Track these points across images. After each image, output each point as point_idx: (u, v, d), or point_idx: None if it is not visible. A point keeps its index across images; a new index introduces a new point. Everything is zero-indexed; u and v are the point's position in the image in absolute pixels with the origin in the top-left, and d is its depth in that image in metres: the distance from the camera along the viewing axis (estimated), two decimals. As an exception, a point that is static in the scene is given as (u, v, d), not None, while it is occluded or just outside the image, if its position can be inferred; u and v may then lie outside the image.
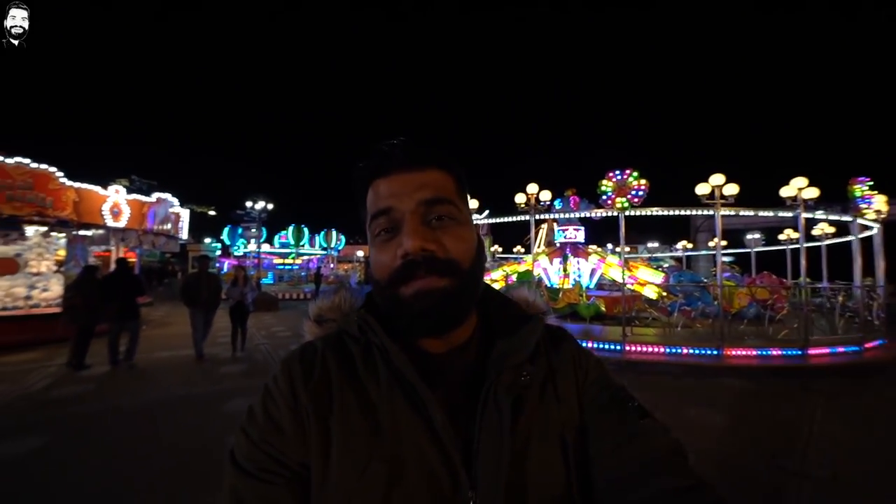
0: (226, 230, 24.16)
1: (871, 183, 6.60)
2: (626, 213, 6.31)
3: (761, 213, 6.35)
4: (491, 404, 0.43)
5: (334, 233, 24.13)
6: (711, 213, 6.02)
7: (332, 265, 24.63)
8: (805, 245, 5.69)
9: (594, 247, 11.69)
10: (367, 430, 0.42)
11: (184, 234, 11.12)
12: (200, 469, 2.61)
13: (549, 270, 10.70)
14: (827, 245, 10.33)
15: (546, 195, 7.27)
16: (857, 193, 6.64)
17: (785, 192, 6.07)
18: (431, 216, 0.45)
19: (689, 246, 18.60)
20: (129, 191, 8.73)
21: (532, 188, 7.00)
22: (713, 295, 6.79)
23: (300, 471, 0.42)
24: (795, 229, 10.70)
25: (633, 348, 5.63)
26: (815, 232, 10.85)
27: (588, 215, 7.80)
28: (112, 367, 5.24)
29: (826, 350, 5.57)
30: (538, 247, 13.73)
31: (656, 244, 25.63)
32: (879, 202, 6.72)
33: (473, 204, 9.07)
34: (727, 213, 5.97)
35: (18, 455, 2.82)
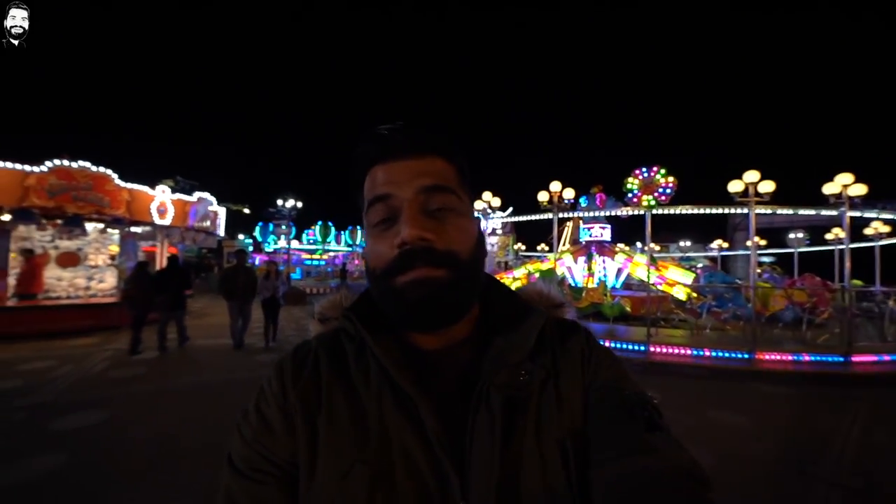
0: (258, 227, 25.38)
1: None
2: (653, 211, 6.15)
3: (801, 212, 6.00)
4: (484, 405, 0.40)
5: (359, 230, 24.77)
6: (745, 211, 5.76)
7: (356, 261, 25.32)
8: (855, 245, 5.35)
9: (622, 245, 11.40)
10: (352, 431, 0.41)
11: (221, 231, 11.81)
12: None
13: (573, 269, 10.55)
14: (881, 246, 9.58)
15: (569, 193, 7.20)
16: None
17: (828, 189, 5.71)
18: (431, 205, 0.43)
19: (725, 245, 17.70)
20: (174, 190, 9.40)
21: (555, 186, 6.95)
22: (746, 296, 6.50)
23: (291, 470, 0.41)
24: (842, 228, 9.99)
25: (659, 350, 5.51)
26: (868, 231, 10.09)
27: (615, 213, 7.64)
28: (161, 353, 5.74)
29: (873, 358, 5.22)
30: (563, 245, 13.53)
31: (689, 243, 24.49)
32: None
33: (496, 202, 9.09)
34: (762, 211, 5.70)
35: (88, 426, 3.19)
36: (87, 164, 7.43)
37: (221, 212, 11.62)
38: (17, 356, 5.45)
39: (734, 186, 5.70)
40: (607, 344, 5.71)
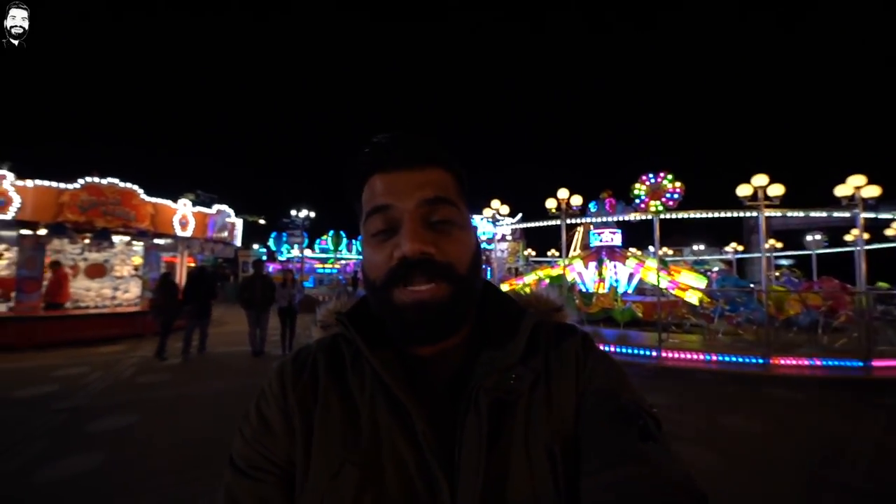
0: (272, 236, 25.99)
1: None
2: (661, 216, 6.17)
3: (813, 214, 5.94)
4: (473, 409, 0.40)
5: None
6: (755, 214, 5.74)
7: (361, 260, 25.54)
8: (877, 247, 5.23)
9: (633, 250, 11.34)
10: (344, 433, 0.42)
11: (238, 241, 12.21)
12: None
13: (583, 275, 10.53)
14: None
15: (577, 200, 7.27)
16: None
17: (840, 191, 5.65)
18: (432, 217, 0.43)
19: (740, 248, 17.35)
20: (195, 204, 9.81)
21: (563, 193, 7.03)
22: (760, 300, 6.43)
23: (289, 469, 0.42)
24: (864, 229, 9.76)
25: (671, 355, 5.49)
26: (889, 232, 9.83)
27: (625, 219, 7.67)
28: (184, 359, 6.00)
29: (894, 363, 5.11)
30: (574, 250, 13.50)
31: (703, 246, 24.06)
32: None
33: (504, 209, 9.20)
34: (772, 214, 5.67)
35: (121, 428, 3.40)
36: (116, 181, 7.86)
37: (238, 223, 12.03)
38: (52, 363, 5.76)
39: (743, 190, 5.70)
40: (618, 349, 5.77)
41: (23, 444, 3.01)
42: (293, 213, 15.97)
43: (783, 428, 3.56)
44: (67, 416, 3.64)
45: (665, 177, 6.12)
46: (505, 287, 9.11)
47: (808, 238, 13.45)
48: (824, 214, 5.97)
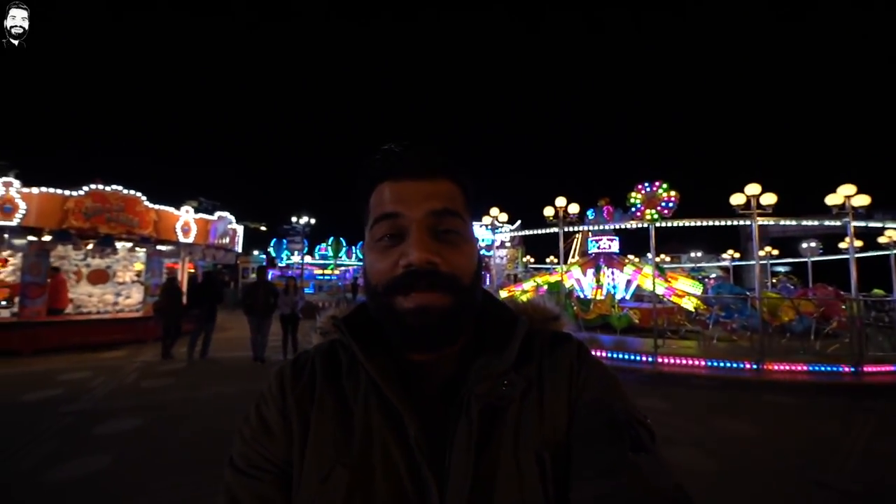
0: (272, 243, 26.09)
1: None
2: (656, 224, 6.31)
3: (804, 223, 6.08)
4: (464, 414, 0.41)
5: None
6: (749, 223, 5.87)
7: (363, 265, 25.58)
8: (870, 254, 5.35)
9: (631, 257, 11.47)
10: (337, 436, 0.42)
11: (239, 248, 12.30)
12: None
13: (582, 281, 10.64)
14: None
15: (574, 208, 7.41)
16: (918, 200, 6.16)
17: (831, 200, 5.81)
18: (438, 228, 0.44)
19: (737, 256, 17.50)
20: (197, 210, 9.92)
21: (560, 201, 7.18)
22: (754, 307, 6.55)
23: (287, 469, 0.43)
24: (857, 237, 9.91)
25: (666, 360, 5.58)
26: (882, 240, 9.98)
27: (622, 226, 7.81)
28: (188, 361, 6.14)
29: (886, 368, 5.20)
30: (572, 257, 13.63)
31: (700, 253, 24.22)
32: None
33: (503, 217, 9.34)
34: (765, 222, 5.81)
35: (127, 431, 3.47)
36: (120, 188, 7.98)
37: (240, 229, 12.14)
38: (57, 367, 5.83)
39: (736, 199, 5.84)
40: (615, 355, 5.85)
41: (32, 446, 3.09)
42: (293, 219, 16.09)
43: (775, 432, 3.64)
44: (74, 420, 3.70)
45: (660, 186, 6.27)
46: (504, 294, 9.21)
47: (804, 245, 13.60)
48: (816, 223, 6.10)
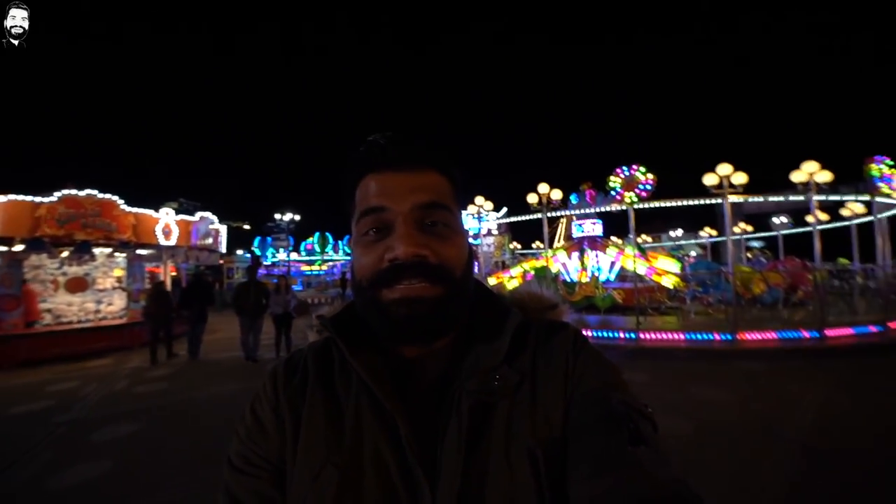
0: (256, 241, 25.66)
1: (893, 162, 6.49)
2: (635, 206, 6.53)
3: (772, 199, 6.41)
4: (455, 411, 0.41)
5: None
6: (720, 201, 6.15)
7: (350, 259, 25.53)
8: (835, 226, 5.70)
9: (615, 239, 11.79)
10: (327, 434, 0.42)
11: (223, 248, 12.10)
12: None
13: (567, 265, 10.90)
14: (857, 225, 10.02)
15: (557, 194, 7.58)
16: (875, 173, 6.55)
17: (796, 177, 6.12)
18: (426, 221, 0.43)
19: (714, 233, 18.17)
20: (178, 212, 9.71)
21: (543, 188, 7.33)
22: (728, 280, 6.90)
23: (282, 467, 0.43)
24: (822, 211, 10.46)
25: (647, 336, 5.87)
26: (845, 212, 10.53)
27: (603, 210, 8.03)
28: (191, 359, 6.44)
29: (846, 331, 5.62)
30: (558, 241, 13.92)
31: (680, 232, 25.00)
32: (902, 179, 6.60)
33: (488, 206, 9.46)
34: (736, 199, 6.09)
35: (124, 436, 3.50)
36: (94, 192, 7.74)
37: (223, 229, 11.92)
38: (42, 379, 5.71)
39: (709, 180, 6.10)
40: (600, 334, 6.11)
41: (29, 456, 3.09)
42: (277, 216, 15.87)
43: (745, 395, 3.95)
44: (69, 429, 3.69)
45: (638, 169, 6.48)
46: (492, 280, 9.37)
47: (775, 220, 14.23)
48: (782, 199, 6.43)
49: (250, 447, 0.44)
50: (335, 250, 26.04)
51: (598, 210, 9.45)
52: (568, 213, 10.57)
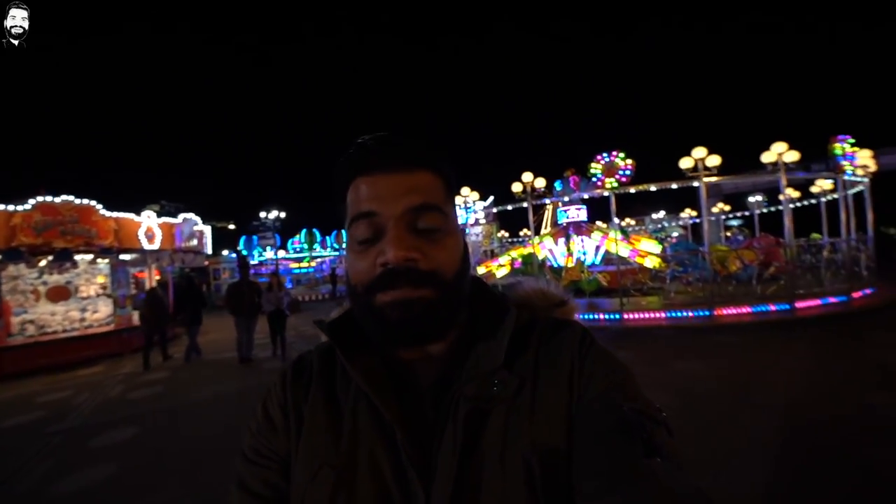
0: (241, 240, 25.19)
1: (853, 140, 6.81)
2: (616, 192, 6.72)
3: (744, 180, 6.67)
4: (451, 417, 0.40)
5: (344, 234, 24.74)
6: (696, 183, 6.38)
7: (344, 265, 25.35)
8: (807, 203, 5.97)
9: (600, 223, 12.04)
10: (326, 436, 0.43)
11: (208, 250, 11.90)
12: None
13: (554, 251, 11.12)
14: (826, 202, 10.48)
15: (541, 182, 7.71)
16: (839, 152, 6.87)
17: (766, 157, 6.39)
18: (418, 224, 0.42)
19: (694, 214, 18.69)
20: (160, 214, 9.51)
21: (527, 177, 7.45)
22: (707, 261, 7.20)
23: (289, 461, 0.45)
24: (795, 188, 10.89)
25: (631, 316, 6.12)
26: (814, 189, 10.99)
27: (586, 196, 8.22)
28: (196, 356, 6.63)
29: (815, 302, 5.97)
30: (545, 228, 14.14)
31: (663, 214, 25.60)
32: (864, 157, 6.94)
33: (474, 196, 9.55)
34: (711, 180, 6.34)
35: (124, 440, 3.54)
36: (71, 198, 7.51)
37: (207, 230, 11.71)
38: (31, 391, 5.64)
39: (685, 163, 6.31)
40: (586, 316, 6.33)
41: (28, 467, 3.09)
42: (263, 214, 15.63)
43: (722, 366, 4.22)
44: (65, 437, 3.70)
45: (618, 155, 6.65)
46: (482, 270, 9.47)
47: (751, 199, 14.71)
48: (755, 179, 6.72)
49: (261, 441, 0.46)
50: (323, 246, 25.79)
51: (581, 196, 9.65)
52: (554, 199, 10.75)
